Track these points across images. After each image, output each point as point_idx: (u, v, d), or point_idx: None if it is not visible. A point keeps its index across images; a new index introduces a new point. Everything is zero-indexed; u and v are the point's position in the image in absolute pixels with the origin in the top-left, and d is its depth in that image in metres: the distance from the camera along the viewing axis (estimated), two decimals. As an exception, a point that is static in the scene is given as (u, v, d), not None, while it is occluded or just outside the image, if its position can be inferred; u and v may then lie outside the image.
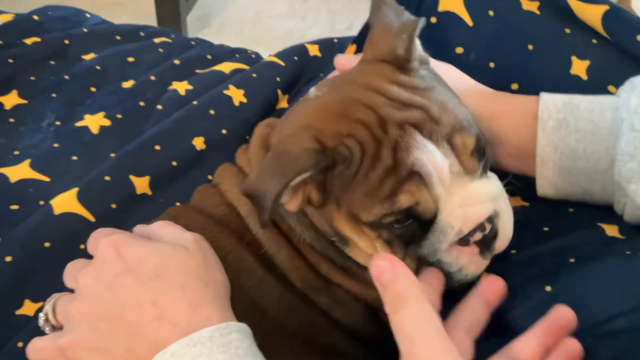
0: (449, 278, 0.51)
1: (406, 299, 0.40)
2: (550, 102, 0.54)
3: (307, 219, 0.55)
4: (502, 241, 0.51)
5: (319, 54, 0.90)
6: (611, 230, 0.53)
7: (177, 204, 0.69)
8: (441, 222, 0.48)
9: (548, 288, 0.48)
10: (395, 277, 0.41)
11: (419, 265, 0.51)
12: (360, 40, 0.82)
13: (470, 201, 0.48)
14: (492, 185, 0.50)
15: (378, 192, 0.47)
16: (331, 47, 0.93)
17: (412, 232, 0.49)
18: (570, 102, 0.54)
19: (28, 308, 0.59)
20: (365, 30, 0.81)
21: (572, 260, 0.50)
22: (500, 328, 0.50)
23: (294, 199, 0.50)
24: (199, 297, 0.46)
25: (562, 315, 0.45)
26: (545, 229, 0.55)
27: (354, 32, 0.83)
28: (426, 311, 0.40)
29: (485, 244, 0.50)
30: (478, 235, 0.49)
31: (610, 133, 0.52)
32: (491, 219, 0.49)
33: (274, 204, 0.46)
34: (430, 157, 0.47)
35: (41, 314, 0.50)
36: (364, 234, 0.50)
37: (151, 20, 1.81)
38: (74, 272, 0.50)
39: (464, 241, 0.49)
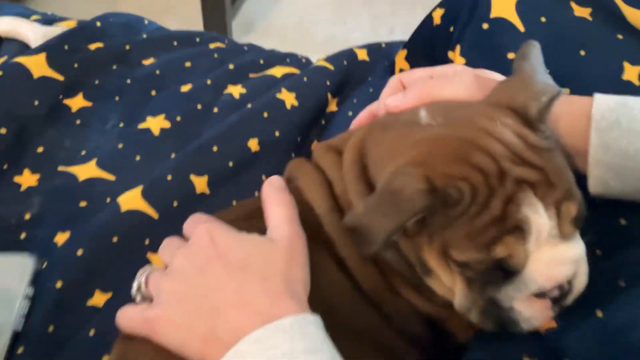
0: (515, 324, 0.52)
1: None
2: (603, 103, 0.55)
3: (392, 241, 0.55)
4: (572, 298, 0.52)
5: (367, 58, 0.92)
6: None
7: (234, 202, 0.71)
8: (527, 275, 0.50)
9: (599, 313, 0.49)
10: None
11: (486, 304, 0.52)
12: (411, 46, 0.83)
13: (558, 261, 0.50)
14: (578, 247, 0.51)
15: (478, 237, 0.48)
16: (379, 51, 0.94)
17: (494, 277, 0.50)
18: (624, 103, 0.55)
19: (98, 299, 0.62)
20: (418, 36, 0.82)
21: (622, 284, 0.51)
22: (551, 354, 0.51)
23: None
24: (278, 291, 0.49)
25: None
26: (598, 252, 0.56)
27: (396, 36, 0.84)
28: None
29: (558, 300, 0.51)
30: (556, 293, 0.51)
31: None
32: (570, 280, 0.51)
33: (385, 242, 0.48)
34: (537, 218, 0.49)
35: (135, 283, 0.55)
36: (448, 268, 0.52)
37: (198, 26, 1.86)
38: (171, 250, 0.54)
39: (541, 295, 0.51)
